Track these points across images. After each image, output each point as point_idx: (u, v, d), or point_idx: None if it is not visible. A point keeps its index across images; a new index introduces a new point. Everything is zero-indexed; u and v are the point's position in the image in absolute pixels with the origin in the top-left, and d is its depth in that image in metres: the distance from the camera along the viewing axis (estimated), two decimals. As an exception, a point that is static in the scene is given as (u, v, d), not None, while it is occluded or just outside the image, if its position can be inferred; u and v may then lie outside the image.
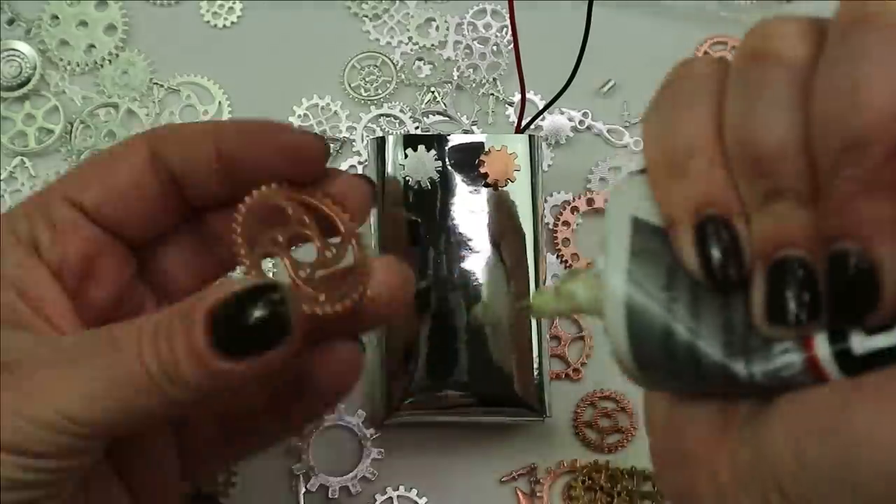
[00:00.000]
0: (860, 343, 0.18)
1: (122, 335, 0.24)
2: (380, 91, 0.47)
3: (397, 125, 0.47)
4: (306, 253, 0.29)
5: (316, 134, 0.31)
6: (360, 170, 0.45)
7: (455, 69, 0.47)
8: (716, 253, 0.20)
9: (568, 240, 0.44)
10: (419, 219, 0.40)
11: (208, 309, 0.23)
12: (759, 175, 0.19)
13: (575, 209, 0.45)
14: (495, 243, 0.40)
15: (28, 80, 0.46)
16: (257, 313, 0.23)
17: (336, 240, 0.29)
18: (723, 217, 0.20)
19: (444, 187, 0.40)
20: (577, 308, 0.23)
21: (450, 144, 0.41)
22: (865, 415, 0.16)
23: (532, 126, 0.43)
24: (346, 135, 0.46)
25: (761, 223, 0.20)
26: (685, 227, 0.20)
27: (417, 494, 0.41)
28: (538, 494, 0.41)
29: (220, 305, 0.24)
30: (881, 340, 0.17)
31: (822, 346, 0.18)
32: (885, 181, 0.17)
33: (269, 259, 0.30)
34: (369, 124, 0.46)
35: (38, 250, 0.28)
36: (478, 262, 0.39)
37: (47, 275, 0.28)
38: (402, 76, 0.47)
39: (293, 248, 0.29)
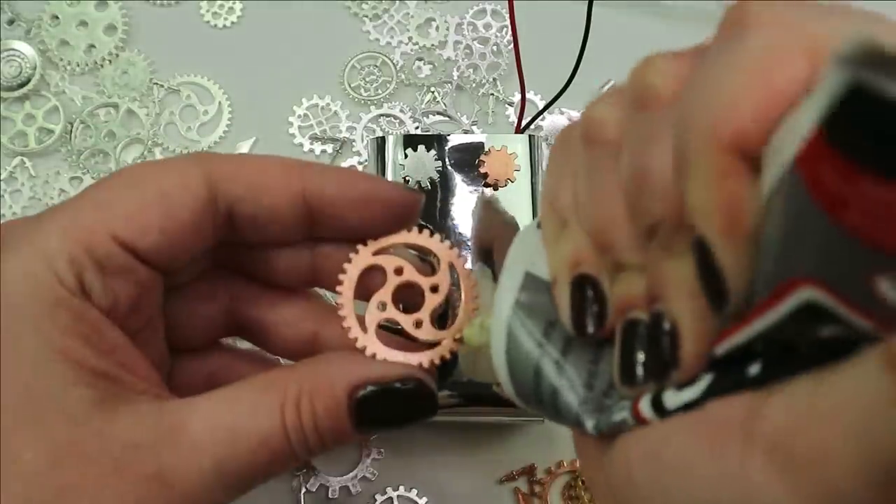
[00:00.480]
0: (671, 398, 0.20)
1: (265, 398, 0.26)
2: (380, 91, 0.47)
3: (397, 125, 0.47)
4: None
5: (414, 189, 0.31)
6: (360, 170, 0.45)
7: (455, 69, 0.47)
8: (584, 308, 0.22)
9: (568, 240, 0.44)
10: (419, 219, 0.40)
11: (352, 393, 0.26)
12: (603, 250, 0.22)
13: (575, 209, 0.45)
14: (484, 256, 0.40)
15: (28, 80, 0.46)
16: (404, 404, 0.27)
17: (438, 275, 0.29)
18: (591, 277, 0.22)
19: (444, 187, 0.40)
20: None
21: (450, 144, 0.41)
22: (675, 446, 0.19)
23: (532, 126, 0.43)
24: (346, 135, 0.46)
25: (613, 289, 0.22)
26: (562, 284, 0.23)
27: (417, 494, 0.41)
28: (538, 494, 0.41)
29: (367, 395, 0.26)
30: (685, 395, 0.19)
31: (644, 403, 0.20)
32: (678, 247, 0.19)
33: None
34: (369, 124, 0.46)
35: (90, 297, 0.26)
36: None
37: (107, 324, 0.26)
38: (402, 76, 0.47)
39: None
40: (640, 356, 0.21)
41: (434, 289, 0.29)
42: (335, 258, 0.29)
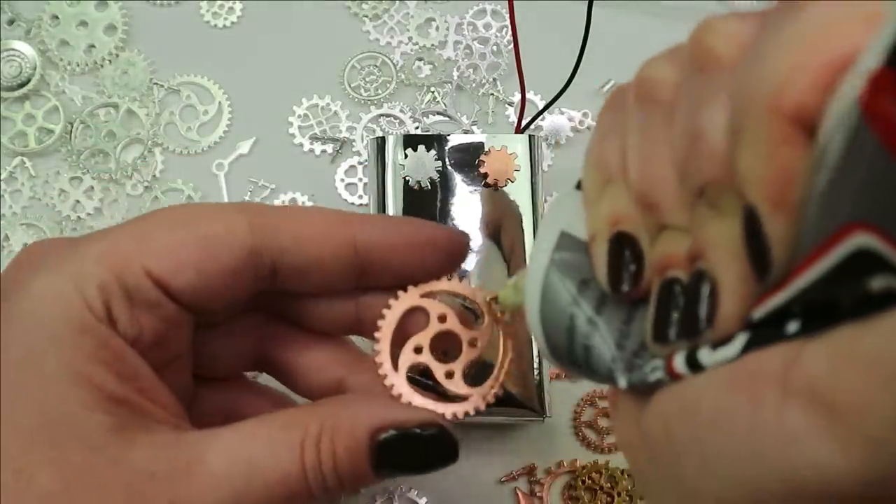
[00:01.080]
0: (706, 356, 0.20)
1: (285, 435, 0.26)
2: (380, 91, 0.47)
3: (397, 125, 0.47)
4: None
5: (462, 231, 0.31)
6: (360, 170, 0.45)
7: (455, 69, 0.47)
8: (621, 266, 0.22)
9: (568, 240, 0.44)
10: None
11: (374, 435, 0.26)
12: (647, 210, 0.21)
13: (575, 209, 0.45)
14: (493, 235, 0.40)
15: (28, 80, 0.46)
16: (425, 451, 0.27)
17: (479, 329, 0.29)
18: (630, 236, 0.22)
19: (444, 187, 0.40)
20: None
21: (450, 144, 0.41)
22: (711, 399, 0.18)
23: (532, 126, 0.43)
24: (346, 135, 0.46)
25: (654, 247, 0.21)
26: (600, 241, 0.22)
27: (417, 494, 0.41)
28: (538, 494, 0.41)
29: (388, 438, 0.26)
30: (721, 354, 0.19)
31: (679, 360, 0.20)
32: (725, 209, 0.19)
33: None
34: (369, 124, 0.46)
35: (116, 325, 0.26)
36: (478, 261, 0.39)
37: (131, 352, 0.26)
38: (402, 76, 0.47)
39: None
40: (675, 315, 0.20)
41: (472, 342, 0.29)
42: (379, 307, 0.29)
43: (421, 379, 0.29)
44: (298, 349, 0.31)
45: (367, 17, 0.48)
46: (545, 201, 0.43)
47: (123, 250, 0.26)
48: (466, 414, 0.28)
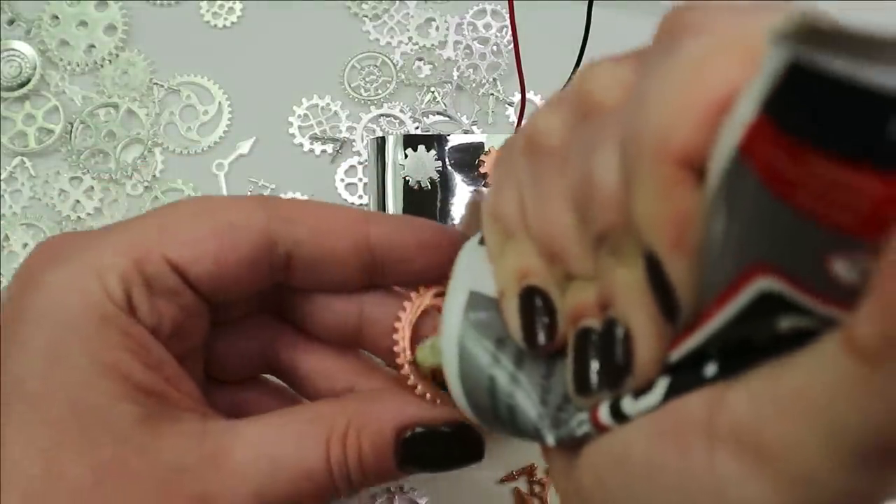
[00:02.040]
0: (629, 405, 0.20)
1: (312, 431, 0.26)
2: (380, 91, 0.47)
3: (397, 125, 0.47)
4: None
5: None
6: (360, 170, 0.46)
7: (455, 69, 0.47)
8: (534, 320, 0.22)
9: (568, 240, 0.44)
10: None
11: (400, 433, 0.26)
12: (552, 261, 0.21)
13: (575, 209, 0.45)
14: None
15: (28, 80, 0.46)
16: (451, 448, 0.27)
17: None
18: (539, 289, 0.22)
19: (444, 187, 0.40)
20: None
21: (450, 144, 0.41)
22: (640, 450, 0.19)
23: (532, 126, 0.43)
24: (346, 135, 0.46)
25: (565, 298, 0.21)
26: (510, 297, 0.22)
27: (417, 494, 0.41)
28: (538, 494, 0.41)
29: (415, 435, 0.27)
30: (644, 402, 0.19)
31: (603, 411, 0.20)
32: (628, 253, 0.19)
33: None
34: (369, 124, 0.46)
35: (136, 314, 0.26)
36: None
37: (153, 340, 0.26)
38: (402, 76, 0.47)
39: None
40: (595, 364, 0.20)
41: None
42: (383, 316, 0.29)
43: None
44: (308, 354, 0.31)
45: (367, 17, 0.48)
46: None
47: (143, 239, 0.26)
48: None
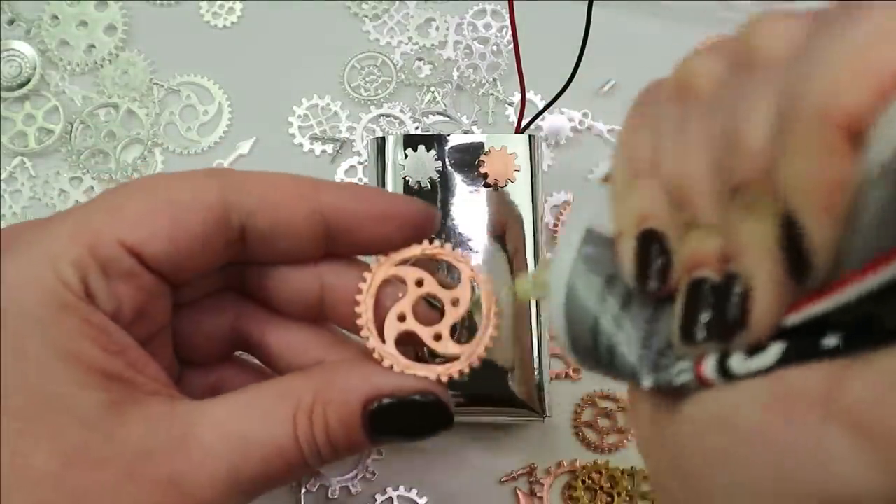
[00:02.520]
0: (739, 364, 0.19)
1: (278, 407, 0.26)
2: (380, 91, 0.47)
3: (397, 125, 0.47)
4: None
5: (431, 205, 0.30)
6: (360, 170, 0.46)
7: (455, 69, 0.47)
8: (649, 263, 0.21)
9: (568, 240, 0.44)
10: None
11: (367, 404, 0.26)
12: (679, 206, 0.21)
13: (575, 209, 0.45)
14: (498, 236, 0.40)
15: (28, 80, 0.46)
16: (420, 417, 0.27)
17: (459, 288, 0.29)
18: (658, 233, 0.21)
19: (444, 187, 0.40)
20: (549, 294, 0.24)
21: (450, 144, 0.41)
22: (749, 414, 0.18)
23: (532, 126, 0.43)
24: (346, 135, 0.46)
25: (683, 246, 0.21)
26: (628, 238, 0.22)
27: (417, 494, 0.41)
28: (538, 494, 0.41)
29: (382, 407, 0.27)
30: (755, 363, 0.19)
31: (709, 366, 0.20)
32: (761, 210, 0.19)
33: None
34: (369, 124, 0.46)
35: (94, 300, 0.25)
36: (478, 262, 0.39)
37: (114, 326, 0.26)
38: (402, 76, 0.47)
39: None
40: (705, 315, 0.20)
41: (455, 302, 0.28)
42: (343, 288, 0.29)
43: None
44: (276, 329, 0.31)
45: (367, 17, 0.48)
46: (545, 201, 0.43)
47: (94, 223, 0.26)
48: (461, 372, 0.28)
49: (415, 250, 0.29)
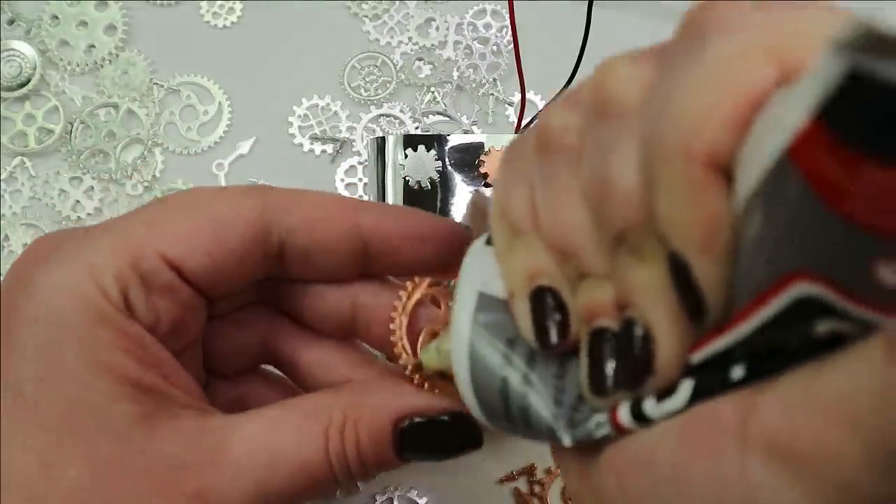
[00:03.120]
0: (652, 408, 0.19)
1: (310, 424, 0.26)
2: (380, 91, 0.47)
3: (397, 125, 0.47)
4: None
5: (466, 225, 0.30)
6: (360, 170, 0.46)
7: (455, 69, 0.47)
8: (546, 320, 0.21)
9: (568, 240, 0.44)
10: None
11: (397, 423, 0.27)
12: (564, 259, 0.21)
13: (575, 209, 0.45)
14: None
15: (28, 80, 0.46)
16: (449, 436, 0.27)
17: None
18: (550, 289, 0.21)
19: (444, 187, 0.40)
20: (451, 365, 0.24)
21: (450, 144, 0.41)
22: (666, 453, 0.18)
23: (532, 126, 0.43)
24: (346, 135, 0.46)
25: (577, 297, 0.21)
26: (521, 298, 0.22)
27: (417, 494, 0.41)
28: (538, 494, 0.41)
29: (412, 425, 0.27)
30: (668, 405, 0.19)
31: (623, 413, 0.20)
32: (648, 252, 0.19)
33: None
34: (369, 124, 0.46)
35: (133, 313, 0.26)
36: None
37: (150, 339, 0.26)
38: (402, 76, 0.47)
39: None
40: (611, 364, 0.20)
41: None
42: (376, 307, 0.29)
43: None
44: (306, 345, 0.31)
45: (367, 17, 0.48)
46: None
47: (137, 237, 0.26)
48: None
49: (451, 273, 0.28)
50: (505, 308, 0.23)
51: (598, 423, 0.21)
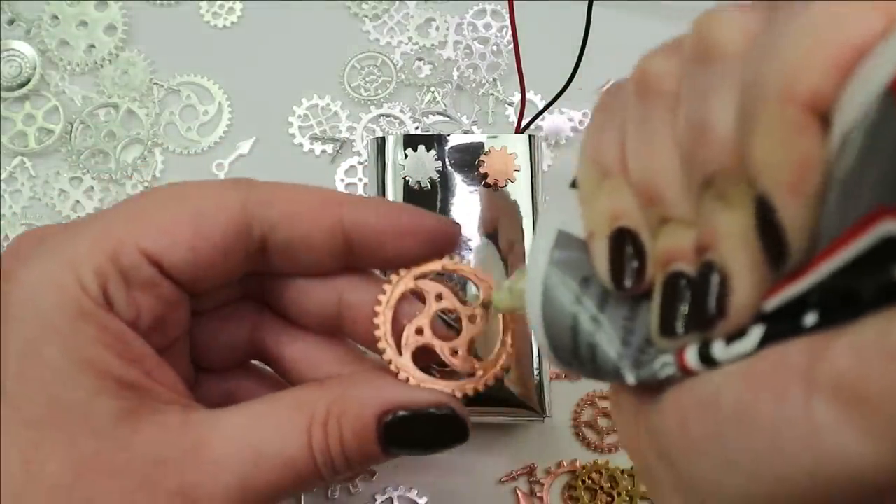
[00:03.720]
0: (721, 351, 0.19)
1: (293, 419, 0.26)
2: (380, 91, 0.47)
3: (397, 125, 0.47)
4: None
5: (454, 221, 0.31)
6: (360, 170, 0.45)
7: (455, 69, 0.47)
8: (623, 262, 0.21)
9: (568, 240, 0.44)
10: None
11: (381, 418, 0.26)
12: (649, 203, 0.21)
13: (575, 209, 0.45)
14: (489, 234, 0.40)
15: (28, 80, 0.46)
16: (435, 430, 0.27)
17: (477, 305, 0.29)
18: (631, 231, 0.22)
19: (444, 187, 0.40)
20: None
21: (450, 144, 0.41)
22: (732, 394, 0.18)
23: (532, 126, 0.43)
24: (346, 135, 0.46)
25: (657, 241, 0.21)
26: (600, 238, 0.22)
27: (417, 494, 0.41)
28: (538, 494, 0.41)
29: (396, 419, 0.26)
30: (737, 348, 0.19)
31: (691, 355, 0.20)
32: (734, 199, 0.19)
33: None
34: (369, 124, 0.46)
35: (113, 308, 0.25)
36: (477, 261, 0.39)
37: (132, 334, 0.26)
38: (402, 76, 0.47)
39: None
40: (683, 307, 0.20)
41: (472, 319, 0.29)
42: (361, 303, 0.29)
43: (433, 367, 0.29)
44: (292, 341, 0.31)
45: (367, 17, 0.48)
46: (545, 201, 0.43)
47: (117, 231, 0.26)
48: (476, 390, 0.28)
49: (435, 265, 0.29)
50: (582, 247, 0.23)
51: (663, 364, 0.21)
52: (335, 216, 0.28)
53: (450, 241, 0.29)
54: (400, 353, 0.28)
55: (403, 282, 0.28)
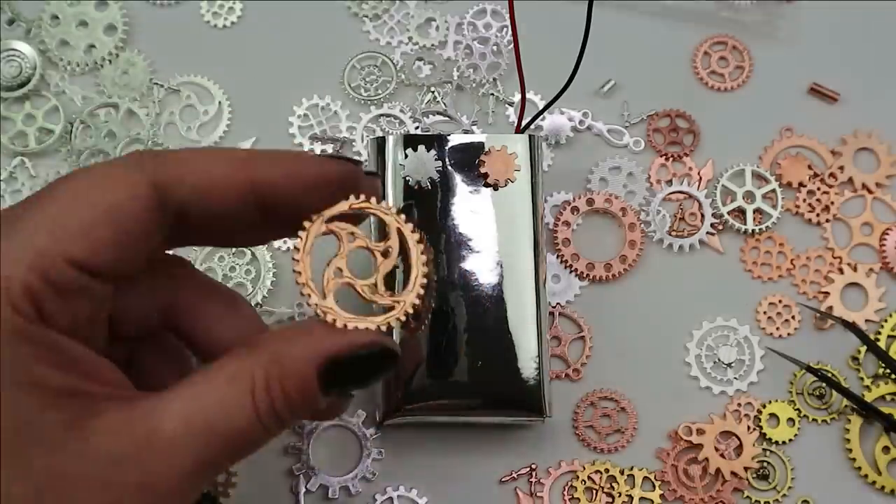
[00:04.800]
0: None
1: (234, 391, 0.27)
2: (380, 91, 0.47)
3: (397, 125, 0.47)
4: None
5: (352, 159, 0.31)
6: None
7: (455, 69, 0.47)
8: None
9: (568, 240, 0.44)
10: (419, 219, 0.40)
11: (322, 364, 0.27)
12: None
13: (575, 209, 0.45)
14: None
15: (28, 80, 0.46)
16: (370, 367, 0.28)
17: (389, 240, 0.30)
18: None
19: (444, 187, 0.40)
20: None
21: (450, 144, 0.41)
22: None
23: (532, 126, 0.43)
24: (346, 135, 0.46)
25: None
26: None
27: (417, 494, 0.41)
28: (538, 494, 0.41)
29: (335, 362, 0.27)
30: None
31: None
32: None
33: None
34: (369, 124, 0.46)
35: (49, 320, 0.26)
36: (478, 261, 0.39)
37: (66, 340, 0.26)
38: (402, 76, 0.47)
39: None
40: None
41: (385, 253, 0.30)
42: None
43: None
44: (206, 300, 0.32)
45: (367, 17, 0.48)
46: (545, 201, 0.43)
47: (41, 244, 0.26)
48: (398, 320, 0.29)
49: (343, 206, 0.29)
50: None
51: None
52: (243, 181, 0.28)
53: (354, 181, 0.30)
54: (324, 296, 0.28)
55: (315, 226, 0.29)
